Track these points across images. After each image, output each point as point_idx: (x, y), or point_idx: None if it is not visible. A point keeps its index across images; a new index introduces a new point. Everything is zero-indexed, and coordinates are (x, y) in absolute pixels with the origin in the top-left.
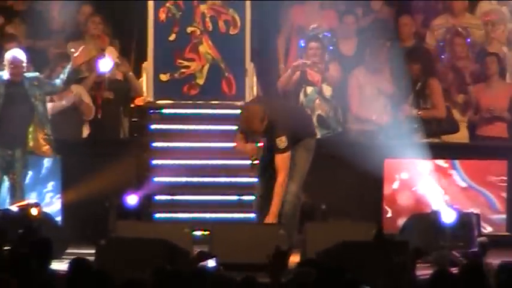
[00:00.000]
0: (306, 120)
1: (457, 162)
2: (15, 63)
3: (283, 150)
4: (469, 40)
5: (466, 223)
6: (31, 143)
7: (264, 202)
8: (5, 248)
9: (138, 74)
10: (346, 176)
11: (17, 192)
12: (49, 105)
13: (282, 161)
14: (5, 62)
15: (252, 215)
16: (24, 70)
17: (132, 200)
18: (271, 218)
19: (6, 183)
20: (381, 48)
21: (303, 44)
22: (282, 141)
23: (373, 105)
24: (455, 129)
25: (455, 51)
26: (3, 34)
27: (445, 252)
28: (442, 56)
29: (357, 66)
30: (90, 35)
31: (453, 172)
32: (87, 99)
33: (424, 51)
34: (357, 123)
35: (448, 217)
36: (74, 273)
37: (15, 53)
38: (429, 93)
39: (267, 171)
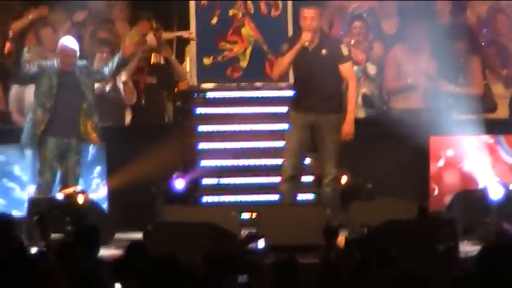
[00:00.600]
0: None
1: (501, 137)
2: (67, 53)
3: (347, 59)
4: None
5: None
6: (81, 131)
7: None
8: (52, 235)
9: (181, 58)
10: (391, 155)
11: (69, 180)
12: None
13: (349, 69)
14: (57, 51)
15: (299, 196)
16: (76, 59)
17: (179, 184)
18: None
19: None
20: (421, 27)
21: (345, 29)
22: (345, 48)
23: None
24: (492, 108)
25: (496, 27)
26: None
27: (490, 227)
28: (485, 31)
29: (397, 43)
30: (120, 19)
31: (498, 148)
32: (129, 83)
33: (465, 28)
34: (400, 101)
35: (496, 193)
36: (130, 257)
37: (67, 41)
38: (469, 70)
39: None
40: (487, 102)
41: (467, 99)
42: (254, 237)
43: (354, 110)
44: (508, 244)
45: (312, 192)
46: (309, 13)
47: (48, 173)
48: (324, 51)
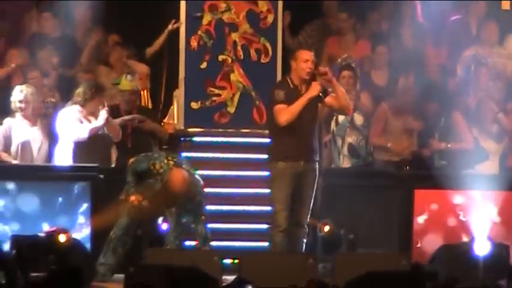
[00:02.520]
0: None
1: (488, 193)
2: None
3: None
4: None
5: (500, 255)
6: None
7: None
8: (33, 274)
9: (169, 101)
10: (375, 206)
11: None
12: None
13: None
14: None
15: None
16: None
17: (164, 226)
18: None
19: None
20: (410, 84)
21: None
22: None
23: (398, 139)
24: (485, 157)
25: (480, 81)
26: None
27: (474, 282)
28: (469, 87)
29: (388, 98)
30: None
31: (485, 203)
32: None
33: (439, 87)
34: (384, 154)
35: (482, 248)
36: None
37: None
38: (454, 126)
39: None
40: (478, 153)
41: (457, 154)
42: (242, 283)
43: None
44: None
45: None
46: (309, 55)
47: None
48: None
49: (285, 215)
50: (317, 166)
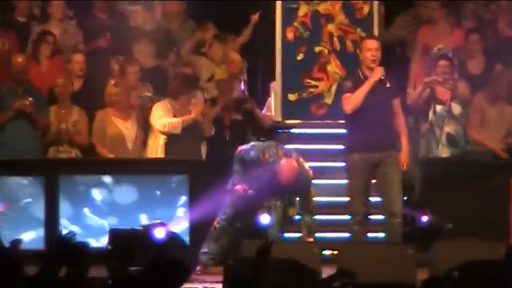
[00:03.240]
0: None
1: None
2: None
3: (400, 94)
4: None
5: None
6: None
7: None
8: (132, 268)
9: (267, 93)
10: (473, 196)
11: None
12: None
13: (399, 104)
14: None
15: (381, 234)
16: None
17: (264, 219)
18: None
19: None
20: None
21: (426, 65)
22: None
23: (493, 131)
24: None
25: None
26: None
27: None
28: None
29: (483, 87)
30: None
31: None
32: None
33: None
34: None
35: None
36: None
37: None
38: None
39: None
40: None
41: None
42: (344, 275)
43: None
44: None
45: (383, 231)
46: (373, 44)
47: None
48: (387, 85)
49: (359, 205)
50: (398, 155)
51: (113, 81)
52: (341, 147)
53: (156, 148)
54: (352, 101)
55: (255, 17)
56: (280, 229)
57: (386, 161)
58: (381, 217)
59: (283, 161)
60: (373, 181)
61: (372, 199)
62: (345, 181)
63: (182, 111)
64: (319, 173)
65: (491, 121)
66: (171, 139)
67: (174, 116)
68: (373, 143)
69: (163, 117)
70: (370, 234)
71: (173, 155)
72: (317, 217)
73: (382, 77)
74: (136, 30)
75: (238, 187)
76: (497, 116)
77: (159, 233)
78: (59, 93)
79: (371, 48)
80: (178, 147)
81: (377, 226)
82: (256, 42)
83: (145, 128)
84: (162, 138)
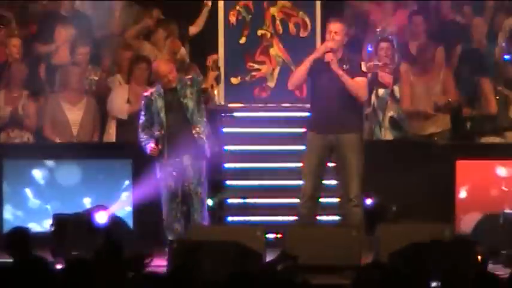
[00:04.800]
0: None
1: None
2: None
3: (364, 75)
4: None
5: None
6: None
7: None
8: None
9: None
10: (417, 177)
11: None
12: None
13: (363, 84)
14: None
15: (326, 218)
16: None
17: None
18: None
19: None
20: (433, 49)
21: (370, 49)
22: (364, 66)
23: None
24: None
25: None
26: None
27: None
28: (505, 55)
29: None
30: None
31: None
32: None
33: (472, 52)
34: (428, 125)
35: None
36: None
37: None
38: (480, 92)
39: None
40: (504, 120)
41: (482, 119)
42: (287, 257)
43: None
44: None
45: (337, 215)
46: (334, 27)
47: None
48: (345, 66)
49: (309, 187)
50: (356, 138)
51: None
52: (284, 130)
53: (104, 133)
54: (291, 77)
55: (209, 3)
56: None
57: (343, 143)
58: (335, 200)
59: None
60: (332, 164)
61: (327, 182)
62: (289, 164)
63: (136, 97)
64: (263, 157)
65: (419, 93)
66: (119, 124)
67: (128, 101)
68: (326, 124)
69: (114, 102)
70: (324, 218)
71: (124, 139)
72: (262, 200)
73: (329, 59)
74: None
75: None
76: (424, 88)
77: (102, 218)
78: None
79: (330, 31)
80: (128, 132)
81: (330, 209)
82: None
83: (94, 112)
84: (111, 123)
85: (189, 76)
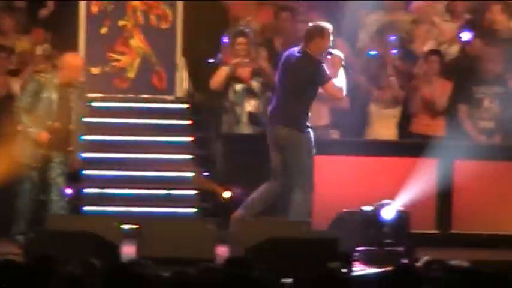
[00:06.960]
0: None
1: (387, 159)
2: None
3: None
4: (394, 38)
5: (401, 220)
6: None
7: None
8: None
9: None
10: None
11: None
12: None
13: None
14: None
15: (181, 210)
16: None
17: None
18: None
19: None
20: None
21: (226, 40)
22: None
23: None
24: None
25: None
26: None
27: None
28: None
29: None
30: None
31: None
32: None
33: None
34: None
35: (386, 214)
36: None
37: None
38: None
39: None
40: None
41: None
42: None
43: None
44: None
45: (196, 207)
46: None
47: None
48: None
49: None
50: (286, 133)
51: None
52: (143, 121)
53: None
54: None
55: None
56: None
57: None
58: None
59: None
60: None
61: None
62: (148, 156)
63: None
64: (121, 147)
65: None
66: None
67: None
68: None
69: None
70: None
71: None
72: (119, 191)
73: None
74: None
75: None
76: None
77: None
78: None
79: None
80: None
81: (187, 202)
82: (60, 14)
83: None
84: None
85: None
